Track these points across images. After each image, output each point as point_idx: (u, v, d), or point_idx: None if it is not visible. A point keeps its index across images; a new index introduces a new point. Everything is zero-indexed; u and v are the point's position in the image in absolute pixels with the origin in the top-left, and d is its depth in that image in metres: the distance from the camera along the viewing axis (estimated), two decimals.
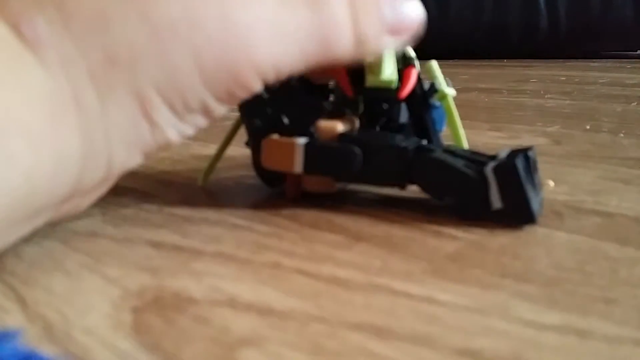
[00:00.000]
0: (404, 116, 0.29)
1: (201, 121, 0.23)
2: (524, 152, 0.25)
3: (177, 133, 0.23)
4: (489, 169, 0.25)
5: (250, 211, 0.28)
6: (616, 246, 0.23)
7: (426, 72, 0.29)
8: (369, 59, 0.27)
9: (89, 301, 0.19)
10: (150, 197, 0.30)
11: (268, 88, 0.27)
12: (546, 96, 0.65)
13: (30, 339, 0.17)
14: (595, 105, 0.59)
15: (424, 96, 0.29)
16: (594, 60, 1.07)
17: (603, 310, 0.18)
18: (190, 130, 0.23)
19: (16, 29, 0.19)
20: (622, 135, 0.44)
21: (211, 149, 0.32)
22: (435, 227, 0.25)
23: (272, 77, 0.23)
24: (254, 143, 0.29)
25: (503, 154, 0.26)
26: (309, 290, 0.20)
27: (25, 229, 0.21)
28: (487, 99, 0.64)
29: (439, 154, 0.26)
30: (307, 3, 0.24)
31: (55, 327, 0.18)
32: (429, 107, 0.29)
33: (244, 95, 0.23)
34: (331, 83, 0.30)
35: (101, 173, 0.22)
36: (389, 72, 0.28)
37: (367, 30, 0.25)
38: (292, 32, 0.23)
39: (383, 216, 0.26)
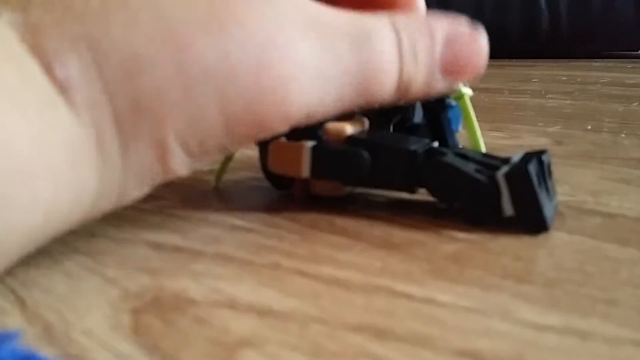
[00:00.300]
0: (418, 116, 0.29)
1: (215, 157, 0.23)
2: (537, 156, 0.24)
3: (188, 170, 0.22)
4: (500, 174, 0.24)
5: (250, 212, 0.28)
6: (617, 247, 0.23)
7: None
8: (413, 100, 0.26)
9: (89, 302, 0.19)
10: (150, 197, 0.29)
11: None
12: (547, 96, 0.65)
13: (30, 340, 0.17)
14: (597, 105, 0.59)
15: (440, 96, 0.28)
16: (596, 60, 1.07)
17: (604, 311, 0.18)
18: (202, 165, 0.23)
19: (48, 68, 0.19)
20: (623, 135, 0.44)
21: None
22: (436, 228, 0.25)
23: (302, 122, 0.23)
24: (261, 145, 0.29)
25: (516, 157, 0.25)
26: (309, 291, 0.20)
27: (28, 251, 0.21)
28: (488, 98, 0.64)
29: (449, 158, 0.25)
30: (353, 44, 0.22)
31: (54, 328, 0.18)
32: (445, 106, 0.29)
33: (266, 137, 0.23)
34: None
35: (111, 206, 0.21)
36: None
37: (415, 74, 0.24)
38: (332, 77, 0.22)
39: (383, 217, 0.26)
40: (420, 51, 0.24)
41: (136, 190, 0.22)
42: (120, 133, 0.20)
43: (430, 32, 0.24)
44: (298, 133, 0.27)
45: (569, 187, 0.30)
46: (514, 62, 1.06)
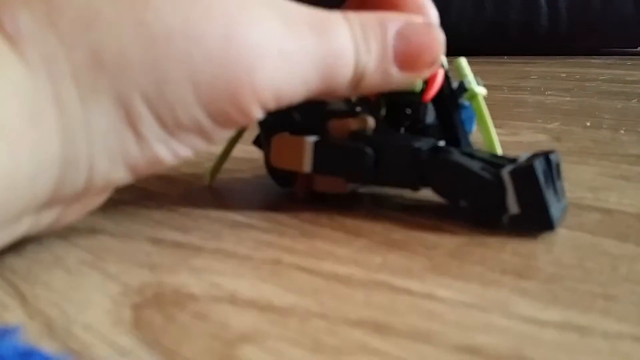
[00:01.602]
0: (430, 117, 0.28)
1: (197, 142, 0.22)
2: (545, 156, 0.24)
3: (169, 151, 0.22)
4: (505, 171, 0.23)
5: (250, 208, 0.28)
6: (616, 243, 0.23)
7: (454, 69, 0.28)
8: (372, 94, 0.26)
9: (89, 297, 0.19)
10: (150, 193, 0.30)
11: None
12: (546, 93, 0.65)
13: (30, 335, 0.17)
14: (596, 102, 0.59)
15: (453, 96, 0.28)
16: (595, 56, 1.07)
17: (603, 306, 0.18)
18: (185, 151, 0.22)
19: None
20: (622, 132, 0.44)
21: (212, 147, 0.32)
22: (435, 224, 0.25)
23: (271, 104, 0.22)
24: (265, 141, 0.29)
25: (524, 157, 0.25)
26: (309, 287, 0.20)
27: (5, 237, 0.20)
28: (487, 95, 0.64)
29: (454, 156, 0.25)
30: (313, 30, 0.23)
31: (55, 323, 0.18)
32: (458, 107, 0.28)
33: (242, 121, 0.22)
34: None
35: (82, 180, 0.21)
36: None
37: (368, 63, 0.24)
38: (296, 60, 0.22)
39: (383, 212, 0.26)
40: (372, 42, 0.24)
41: (110, 166, 0.21)
42: (79, 88, 0.19)
43: (382, 24, 0.24)
44: (301, 128, 0.27)
45: (568, 183, 0.30)
46: (513, 58, 1.06)
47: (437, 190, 0.25)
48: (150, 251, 0.23)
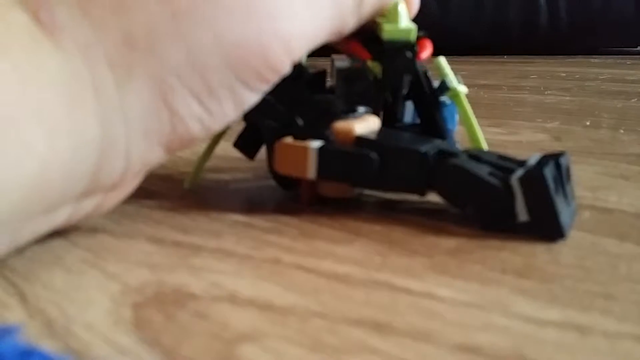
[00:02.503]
0: (408, 115, 0.28)
1: (230, 110, 0.23)
2: (555, 159, 0.24)
3: (201, 126, 0.22)
4: (515, 178, 0.23)
5: (250, 207, 0.28)
6: (616, 242, 0.23)
7: (434, 68, 0.28)
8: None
9: (89, 297, 0.19)
10: (150, 193, 0.30)
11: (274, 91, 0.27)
12: (546, 92, 0.65)
13: (31, 334, 0.17)
14: (595, 102, 0.59)
15: (433, 94, 0.28)
16: (594, 56, 1.07)
17: (603, 305, 0.18)
18: (216, 124, 0.23)
19: (35, 16, 0.19)
20: (622, 131, 0.44)
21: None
22: (435, 223, 0.25)
23: (299, 53, 0.23)
24: (268, 145, 0.28)
25: (532, 160, 0.24)
26: (309, 286, 0.20)
27: (43, 227, 0.21)
28: (487, 95, 0.64)
29: (461, 160, 0.24)
30: None
31: (55, 322, 0.18)
32: (439, 105, 0.28)
33: (273, 77, 0.23)
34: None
35: (120, 165, 0.21)
36: (406, 21, 0.27)
37: None
38: (321, 6, 0.23)
39: (383, 212, 0.26)
40: None
41: (146, 147, 0.21)
42: (114, 72, 0.20)
43: None
44: (304, 133, 0.26)
45: None
46: (512, 58, 1.06)
47: (443, 195, 0.25)
48: (151, 250, 0.23)
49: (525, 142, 0.42)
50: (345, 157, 0.25)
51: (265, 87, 0.23)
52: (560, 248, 0.22)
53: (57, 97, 0.19)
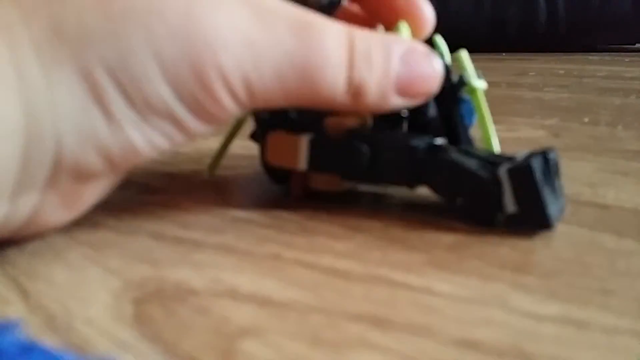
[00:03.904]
0: (432, 111, 0.27)
1: (173, 132, 0.22)
2: (543, 154, 0.24)
3: (144, 139, 0.21)
4: (503, 170, 0.23)
5: (251, 203, 0.28)
6: (614, 238, 0.23)
7: (455, 62, 0.28)
8: (367, 113, 0.26)
9: (91, 292, 0.19)
10: (151, 189, 0.30)
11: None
12: (545, 89, 0.65)
13: (32, 329, 0.17)
14: (594, 99, 0.59)
15: (452, 90, 0.27)
16: (593, 53, 1.07)
17: (601, 301, 0.18)
18: (161, 141, 0.22)
19: None
20: (620, 128, 0.44)
21: (213, 142, 0.32)
22: (434, 218, 0.25)
23: (243, 95, 0.22)
24: (261, 137, 0.28)
25: (521, 155, 0.24)
26: (309, 281, 0.20)
27: None
28: (486, 92, 0.64)
29: (451, 154, 0.25)
30: (292, 29, 0.22)
31: (56, 318, 0.18)
32: (457, 100, 0.28)
33: (215, 111, 0.22)
34: None
35: (49, 158, 0.20)
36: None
37: (368, 81, 0.24)
38: (267, 52, 0.22)
39: (382, 208, 0.26)
40: (376, 61, 0.24)
41: (79, 148, 0.20)
42: (39, 56, 0.19)
43: (387, 45, 0.24)
44: (297, 126, 0.26)
45: (566, 179, 0.30)
46: (511, 55, 1.06)
47: (433, 188, 0.25)
48: (151, 246, 0.23)
49: (523, 138, 0.42)
50: (336, 149, 0.26)
51: (213, 122, 0.22)
52: (559, 244, 0.23)
53: None
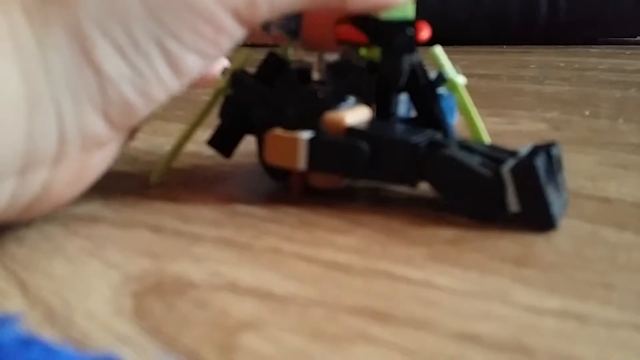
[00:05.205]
0: (402, 109, 0.27)
1: (165, 73, 0.21)
2: (546, 150, 0.23)
3: (136, 91, 0.21)
4: (506, 169, 0.23)
5: (251, 196, 0.28)
6: (615, 231, 0.23)
7: (430, 59, 0.28)
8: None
9: (90, 286, 0.19)
10: (150, 182, 0.30)
11: (265, 79, 0.26)
12: (545, 82, 0.65)
13: (31, 323, 0.17)
14: (595, 91, 0.58)
15: (430, 86, 0.27)
16: (594, 46, 1.07)
17: (602, 294, 0.18)
18: (153, 89, 0.21)
19: None
20: (621, 121, 0.44)
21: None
22: (434, 213, 0.25)
23: (246, 12, 0.21)
24: (257, 134, 0.28)
25: (524, 150, 0.24)
26: (309, 275, 0.20)
27: None
28: (487, 84, 0.64)
29: (453, 151, 0.24)
30: None
31: (55, 311, 0.18)
32: (437, 97, 0.27)
33: (216, 36, 0.21)
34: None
35: (53, 129, 0.20)
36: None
37: None
38: None
39: (382, 202, 0.26)
40: None
41: (78, 111, 0.20)
42: (30, 21, 0.19)
43: None
44: (295, 123, 0.26)
45: (567, 172, 0.30)
46: (512, 48, 1.06)
47: (434, 186, 0.25)
48: (151, 239, 0.23)
49: (524, 131, 0.42)
50: (335, 148, 0.25)
51: (212, 49, 0.21)
52: (560, 237, 0.23)
53: None
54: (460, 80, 0.28)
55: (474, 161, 0.24)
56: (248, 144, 0.31)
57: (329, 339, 0.16)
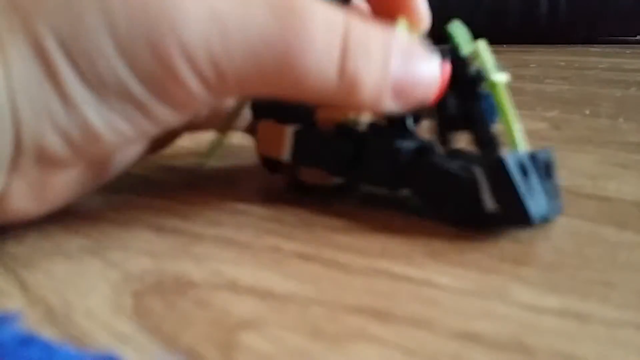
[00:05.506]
0: (452, 107, 0.25)
1: (136, 116, 0.20)
2: (532, 153, 0.23)
3: (103, 122, 0.20)
4: (477, 167, 0.22)
5: (251, 195, 0.28)
6: (615, 230, 0.23)
7: (474, 55, 0.26)
8: (362, 113, 0.24)
9: (90, 285, 0.19)
10: (150, 181, 0.30)
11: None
12: (545, 81, 0.65)
13: (31, 322, 0.17)
14: (595, 90, 0.58)
15: (470, 85, 0.25)
16: (594, 45, 1.07)
17: (602, 293, 0.18)
18: (124, 125, 0.20)
19: None
20: (621, 120, 0.44)
21: (214, 135, 0.32)
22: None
23: (211, 75, 0.20)
24: (255, 125, 0.28)
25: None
26: (309, 274, 0.20)
27: None
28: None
29: (434, 157, 0.24)
30: (270, 8, 0.20)
31: (55, 310, 0.18)
32: (478, 96, 0.25)
33: (178, 90, 0.20)
34: None
35: (9, 135, 0.19)
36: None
37: (364, 73, 0.21)
38: (236, 27, 0.20)
39: (382, 201, 0.26)
40: (375, 52, 0.22)
41: (37, 126, 0.19)
42: None
43: (387, 37, 0.22)
44: (289, 116, 0.26)
45: (567, 171, 0.30)
46: (512, 47, 1.06)
47: (416, 192, 0.24)
48: (151, 238, 0.23)
49: (524, 130, 0.41)
50: (319, 143, 0.25)
51: (181, 107, 0.21)
52: (560, 236, 0.23)
53: None
54: (500, 78, 0.26)
55: (452, 165, 0.23)
56: (247, 142, 0.31)
57: (329, 338, 0.16)
